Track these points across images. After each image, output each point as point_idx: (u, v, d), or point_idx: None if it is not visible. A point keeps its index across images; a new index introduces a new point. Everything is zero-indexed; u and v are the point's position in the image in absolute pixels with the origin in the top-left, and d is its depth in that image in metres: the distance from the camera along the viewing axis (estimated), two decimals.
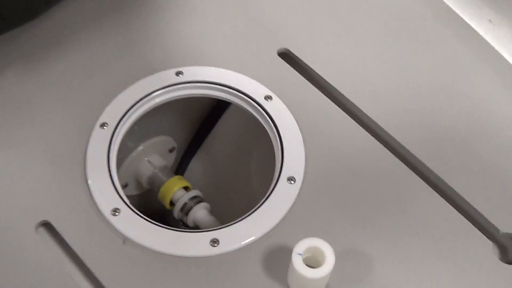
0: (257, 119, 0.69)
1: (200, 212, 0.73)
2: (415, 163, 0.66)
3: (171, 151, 0.85)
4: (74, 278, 0.58)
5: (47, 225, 0.61)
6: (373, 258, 0.59)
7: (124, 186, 0.79)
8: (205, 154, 0.85)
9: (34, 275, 0.58)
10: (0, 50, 0.72)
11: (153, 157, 0.80)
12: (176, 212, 0.74)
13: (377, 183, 0.65)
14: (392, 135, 0.67)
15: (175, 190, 0.75)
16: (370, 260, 0.59)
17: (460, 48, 0.76)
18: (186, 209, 0.73)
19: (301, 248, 0.54)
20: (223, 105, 0.85)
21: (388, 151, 0.66)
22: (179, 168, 0.88)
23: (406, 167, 0.65)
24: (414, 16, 0.79)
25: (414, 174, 0.65)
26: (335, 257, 0.54)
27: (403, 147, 0.67)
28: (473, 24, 0.78)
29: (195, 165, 0.89)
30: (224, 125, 0.83)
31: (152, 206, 0.81)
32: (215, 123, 0.83)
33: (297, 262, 0.54)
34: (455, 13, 0.79)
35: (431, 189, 0.64)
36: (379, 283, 0.58)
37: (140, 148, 0.79)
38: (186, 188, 0.75)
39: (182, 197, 0.74)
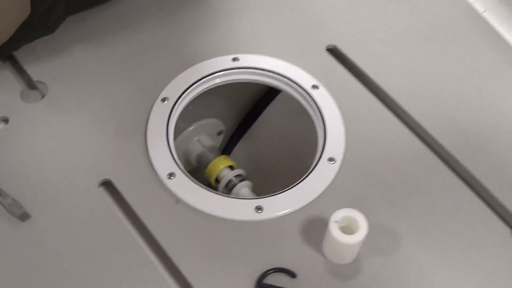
0: (302, 107, 0.76)
1: (243, 190, 0.79)
2: (445, 155, 0.71)
3: (219, 133, 0.92)
4: (130, 232, 0.65)
5: (108, 184, 0.68)
6: (401, 236, 0.65)
7: None
8: (251, 139, 0.91)
9: (93, 227, 0.65)
10: (77, 29, 0.80)
11: (203, 137, 0.87)
12: (221, 188, 0.80)
13: (408, 171, 0.70)
14: (425, 128, 0.73)
15: (221, 168, 0.81)
16: (399, 237, 0.65)
17: (493, 57, 0.82)
18: (230, 186, 0.80)
19: (338, 216, 0.61)
20: (270, 95, 0.91)
21: (420, 142, 0.72)
22: (225, 151, 0.95)
23: (437, 158, 0.71)
24: (454, 25, 0.85)
25: (443, 165, 0.70)
26: (370, 230, 0.61)
27: (434, 139, 0.72)
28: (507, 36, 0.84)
29: (241, 148, 0.95)
30: (271, 114, 0.90)
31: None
32: (262, 111, 0.90)
33: (334, 228, 0.60)
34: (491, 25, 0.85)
35: (458, 179, 0.69)
36: (405, 259, 0.64)
37: (192, 128, 0.86)
38: (231, 167, 0.82)
39: (227, 174, 0.80)
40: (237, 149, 0.96)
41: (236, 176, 0.80)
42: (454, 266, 0.64)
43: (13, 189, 0.66)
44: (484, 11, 0.87)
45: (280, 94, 0.79)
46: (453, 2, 0.87)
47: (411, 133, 0.73)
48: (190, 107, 0.77)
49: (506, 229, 0.67)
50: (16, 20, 0.72)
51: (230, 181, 0.80)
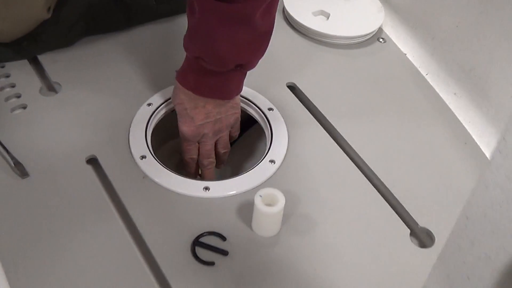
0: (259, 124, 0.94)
1: None
2: (364, 168, 0.89)
3: None
4: (105, 198, 0.82)
5: (94, 160, 0.86)
6: (318, 223, 0.81)
7: None
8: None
9: (78, 191, 0.82)
10: (92, 46, 1.02)
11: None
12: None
13: (333, 178, 0.87)
14: (354, 149, 0.90)
15: None
16: (315, 223, 0.81)
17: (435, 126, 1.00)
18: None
19: (262, 192, 0.77)
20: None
21: (348, 159, 0.89)
22: None
23: (358, 170, 0.88)
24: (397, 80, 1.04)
25: (362, 175, 0.87)
26: (291, 216, 0.79)
27: (359, 156, 0.90)
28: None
29: None
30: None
31: None
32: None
33: (257, 200, 0.76)
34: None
35: (373, 188, 0.86)
36: (318, 239, 0.79)
37: (174, 141, 1.04)
38: None
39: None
40: None
41: None
42: (359, 253, 0.79)
43: (20, 154, 0.84)
44: (427, 74, 1.06)
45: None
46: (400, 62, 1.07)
47: (342, 152, 0.90)
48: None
49: (406, 229, 0.82)
50: (33, 16, 0.91)
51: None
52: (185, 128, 0.87)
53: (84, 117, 0.91)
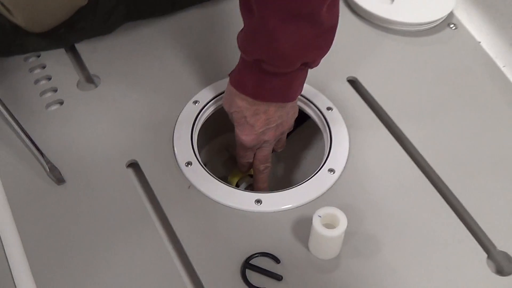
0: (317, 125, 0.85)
1: None
2: (437, 181, 0.79)
3: None
4: (145, 206, 0.75)
5: (135, 165, 0.79)
6: (382, 244, 0.72)
7: (205, 165, 0.96)
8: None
9: (117, 199, 0.75)
10: (133, 34, 0.94)
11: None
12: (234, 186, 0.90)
13: (400, 192, 0.77)
14: (425, 157, 0.81)
15: (241, 177, 0.92)
16: (380, 244, 0.72)
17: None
18: (250, 188, 0.90)
19: (321, 212, 0.69)
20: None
21: (418, 169, 0.79)
22: None
23: (429, 183, 0.78)
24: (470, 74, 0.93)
25: (434, 190, 0.77)
26: (354, 235, 0.70)
27: (431, 168, 0.79)
28: None
29: None
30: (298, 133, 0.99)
31: None
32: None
33: (316, 222, 0.68)
34: None
35: (445, 204, 0.76)
36: (382, 263, 0.71)
37: (223, 136, 0.96)
38: (250, 176, 0.91)
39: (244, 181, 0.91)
40: None
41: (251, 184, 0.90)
42: (429, 278, 0.70)
43: (55, 158, 0.77)
44: (504, 66, 0.94)
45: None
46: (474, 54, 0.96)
47: (411, 160, 0.80)
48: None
49: (482, 253, 0.72)
50: (70, 2, 0.84)
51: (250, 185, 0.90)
52: (245, 137, 0.80)
53: (124, 115, 0.84)
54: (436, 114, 0.86)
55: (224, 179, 0.90)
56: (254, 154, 0.84)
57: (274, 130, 0.80)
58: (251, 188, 0.90)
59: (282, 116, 0.79)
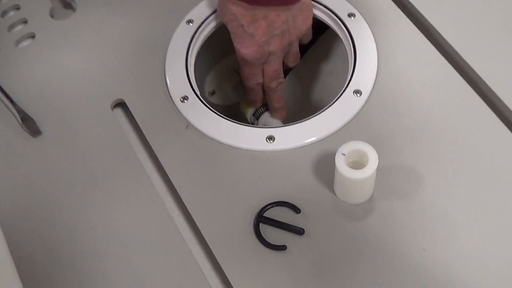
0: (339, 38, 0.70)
1: (270, 118, 0.75)
2: (492, 97, 0.63)
3: None
4: (136, 153, 0.64)
5: (121, 105, 0.67)
6: (423, 177, 0.59)
7: (212, 93, 0.82)
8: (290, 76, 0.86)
9: (102, 149, 0.64)
10: None
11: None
12: (249, 116, 0.76)
13: (445, 111, 0.63)
14: (473, 68, 0.65)
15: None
16: (421, 179, 0.59)
17: None
18: (257, 114, 0.76)
19: (345, 149, 0.55)
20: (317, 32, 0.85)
21: (465, 82, 0.64)
22: None
23: (481, 100, 0.63)
24: None
25: (488, 108, 0.62)
26: (389, 171, 0.57)
27: (482, 80, 0.64)
28: None
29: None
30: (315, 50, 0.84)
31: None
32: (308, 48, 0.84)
33: (340, 162, 0.55)
34: None
35: (503, 125, 0.61)
36: (424, 202, 0.57)
37: (230, 57, 0.82)
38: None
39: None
40: None
41: (265, 104, 0.76)
42: (482, 216, 0.57)
43: (29, 105, 0.67)
44: None
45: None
46: None
47: (458, 73, 0.65)
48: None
49: None
50: None
51: (257, 110, 0.76)
52: (245, 50, 0.66)
53: (107, 46, 0.72)
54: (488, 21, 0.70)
55: (236, 107, 0.78)
56: (262, 72, 0.70)
57: (279, 39, 0.66)
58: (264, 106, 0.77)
59: (288, 22, 0.66)
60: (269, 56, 0.68)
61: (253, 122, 0.76)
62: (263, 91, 0.74)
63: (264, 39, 0.66)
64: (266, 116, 0.75)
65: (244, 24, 0.65)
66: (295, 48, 0.71)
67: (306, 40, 0.73)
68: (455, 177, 0.59)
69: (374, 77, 0.65)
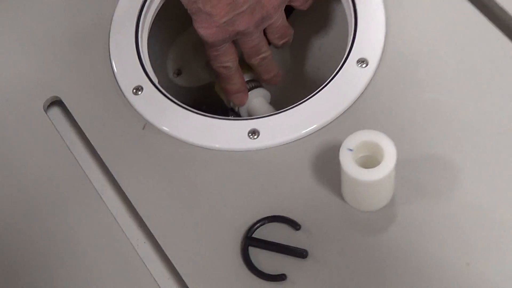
0: None
1: (255, 100, 0.61)
2: None
3: None
4: (82, 167, 0.53)
5: (57, 103, 0.57)
6: (459, 170, 0.47)
7: (177, 74, 0.69)
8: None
9: (38, 159, 0.54)
10: None
11: None
12: (226, 99, 0.63)
13: (479, 82, 0.50)
14: None
15: None
16: (455, 171, 0.47)
17: None
18: None
19: (352, 142, 0.43)
20: None
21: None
22: None
23: None
24: None
25: None
26: (411, 164, 0.46)
27: None
28: None
29: None
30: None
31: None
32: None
33: (347, 160, 0.42)
34: None
35: None
36: (463, 202, 0.45)
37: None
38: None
39: None
40: None
41: (247, 82, 0.62)
42: None
43: None
44: None
45: None
46: None
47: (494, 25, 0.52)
48: None
49: None
50: None
51: None
52: (204, 31, 0.55)
53: (34, 31, 0.60)
54: None
55: (210, 88, 0.66)
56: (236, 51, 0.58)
57: (249, 15, 0.54)
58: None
59: None
60: (238, 35, 0.55)
61: (234, 107, 0.63)
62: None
63: (225, 19, 0.53)
64: (250, 97, 0.61)
65: (198, 1, 0.53)
66: (280, 22, 0.58)
67: (304, 5, 0.60)
68: (501, 168, 0.46)
69: (382, 40, 0.52)
